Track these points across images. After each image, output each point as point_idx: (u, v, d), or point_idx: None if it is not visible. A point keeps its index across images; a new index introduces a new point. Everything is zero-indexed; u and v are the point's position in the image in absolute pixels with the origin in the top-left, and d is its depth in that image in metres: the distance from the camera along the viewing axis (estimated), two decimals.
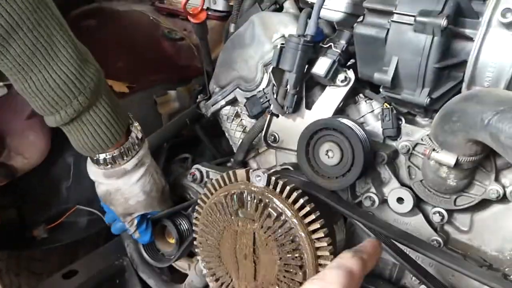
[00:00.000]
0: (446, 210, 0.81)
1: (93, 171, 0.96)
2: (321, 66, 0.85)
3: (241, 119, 1.07)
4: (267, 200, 0.74)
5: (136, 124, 0.97)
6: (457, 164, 0.68)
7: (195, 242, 0.86)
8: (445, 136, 0.66)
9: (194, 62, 1.53)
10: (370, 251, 0.66)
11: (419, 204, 0.84)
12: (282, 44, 0.86)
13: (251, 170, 0.76)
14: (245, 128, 1.07)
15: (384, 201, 0.85)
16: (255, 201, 0.74)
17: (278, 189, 0.74)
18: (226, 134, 1.11)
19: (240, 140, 1.05)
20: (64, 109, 0.81)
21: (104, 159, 0.91)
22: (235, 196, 0.77)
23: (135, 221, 1.03)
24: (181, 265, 1.17)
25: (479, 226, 0.82)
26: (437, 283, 0.76)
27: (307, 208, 0.72)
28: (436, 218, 0.81)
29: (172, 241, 1.09)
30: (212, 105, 1.09)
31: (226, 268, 0.81)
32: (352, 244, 0.89)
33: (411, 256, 0.77)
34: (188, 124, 1.35)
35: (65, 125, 0.85)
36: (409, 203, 0.81)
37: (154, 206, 1.03)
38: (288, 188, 0.73)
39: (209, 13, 1.59)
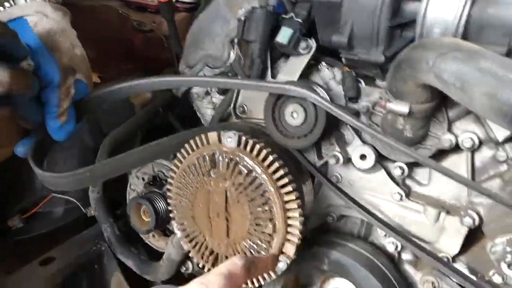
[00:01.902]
0: (406, 164, 0.86)
1: (30, 5, 0.79)
2: (283, 35, 0.89)
3: (211, 97, 1.10)
4: (237, 159, 0.77)
5: None
6: (411, 112, 0.74)
7: (169, 202, 0.88)
8: (397, 85, 0.72)
9: (164, 53, 1.55)
10: (261, 267, 0.72)
11: (381, 161, 0.89)
12: (246, 16, 0.90)
13: (222, 132, 0.80)
14: (215, 105, 1.10)
15: (348, 160, 0.90)
16: (226, 160, 0.78)
17: (248, 148, 0.77)
18: (198, 113, 1.14)
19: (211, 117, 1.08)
20: None
21: None
22: (207, 157, 0.80)
23: (72, 90, 0.82)
24: (158, 244, 1.18)
25: (437, 178, 0.87)
26: (400, 234, 0.81)
27: (276, 165, 0.76)
28: (397, 172, 0.87)
29: (148, 219, 1.11)
30: None
31: (200, 228, 0.84)
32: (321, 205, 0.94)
33: (373, 212, 0.82)
34: (161, 112, 1.37)
35: None
36: (371, 159, 0.87)
37: (90, 70, 0.89)
38: (258, 146, 0.77)
39: (178, 5, 1.64)
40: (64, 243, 1.22)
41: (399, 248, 0.91)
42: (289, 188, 0.75)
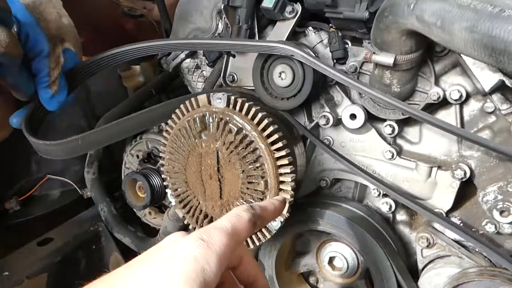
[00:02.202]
0: (396, 122, 0.87)
1: None
2: (269, 0, 0.90)
3: (202, 70, 1.11)
4: (227, 118, 0.78)
5: None
6: (396, 63, 0.74)
7: (162, 169, 0.88)
8: (381, 35, 0.72)
9: (155, 37, 1.56)
10: (268, 217, 0.57)
11: (371, 121, 0.90)
12: None
13: (211, 94, 0.80)
14: (206, 78, 1.10)
15: (338, 121, 0.90)
16: (216, 120, 0.78)
17: (237, 107, 0.78)
18: (189, 87, 1.14)
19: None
20: None
21: None
22: (197, 119, 0.80)
23: (62, 59, 0.82)
24: (155, 221, 1.19)
25: (427, 136, 0.88)
26: (394, 189, 0.82)
27: (266, 121, 0.76)
28: (387, 130, 0.87)
29: (143, 195, 1.11)
30: (173, 60, 1.12)
31: (193, 192, 0.85)
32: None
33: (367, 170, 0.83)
34: (154, 93, 1.38)
35: None
36: (361, 117, 0.87)
37: (78, 39, 0.89)
38: (246, 105, 0.78)
39: None
40: (62, 225, 1.23)
41: (393, 208, 0.91)
42: (279, 144, 0.76)
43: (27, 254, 1.12)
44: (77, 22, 1.44)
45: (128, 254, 1.23)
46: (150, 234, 1.22)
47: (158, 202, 1.12)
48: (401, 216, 0.93)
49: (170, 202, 1.07)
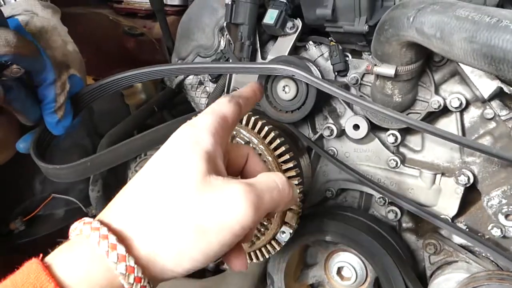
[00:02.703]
0: (398, 131, 0.88)
1: (19, 3, 0.80)
2: (270, 17, 0.92)
3: (205, 86, 1.13)
4: (234, 133, 0.79)
5: None
6: (397, 74, 0.76)
7: None
8: (382, 47, 0.74)
9: (157, 55, 1.59)
10: (248, 96, 0.62)
11: (374, 131, 0.91)
12: (232, 0, 0.93)
13: None
14: (209, 94, 1.12)
15: (342, 132, 0.92)
16: None
17: (244, 121, 0.80)
18: (192, 103, 1.16)
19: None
20: None
21: None
22: None
23: (68, 85, 0.82)
24: None
25: (429, 143, 0.90)
26: (400, 197, 0.83)
27: (272, 134, 0.78)
28: (390, 140, 0.89)
29: None
30: (176, 77, 1.14)
31: None
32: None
33: (372, 179, 0.84)
34: (156, 111, 1.40)
35: None
36: (364, 128, 0.89)
37: (83, 65, 0.90)
38: (253, 119, 0.79)
39: (168, 8, 1.68)
40: None
41: (398, 216, 0.92)
42: (286, 156, 0.77)
43: None
44: (78, 42, 1.47)
45: None
46: None
47: None
48: (407, 223, 0.94)
49: None
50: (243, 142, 0.78)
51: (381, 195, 0.92)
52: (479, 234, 0.85)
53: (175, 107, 1.46)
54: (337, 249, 0.96)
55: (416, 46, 0.72)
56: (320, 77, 0.86)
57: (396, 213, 0.92)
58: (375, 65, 0.78)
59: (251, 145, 0.78)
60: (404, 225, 0.95)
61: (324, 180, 0.98)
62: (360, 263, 0.93)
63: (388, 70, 0.76)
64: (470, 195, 0.87)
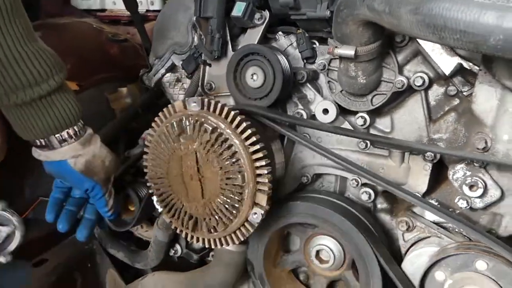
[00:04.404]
0: (367, 113, 0.90)
1: (66, 151, 0.96)
2: (238, 9, 0.95)
3: (182, 83, 1.15)
4: (202, 119, 0.82)
5: None
6: (357, 54, 0.78)
7: (146, 177, 0.92)
8: (340, 29, 0.77)
9: (140, 60, 1.61)
10: None
11: (344, 115, 0.93)
12: None
13: (186, 99, 0.85)
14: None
15: (313, 118, 0.94)
16: (192, 122, 0.82)
17: (211, 108, 0.82)
18: (171, 101, 1.19)
19: None
20: (47, 81, 0.88)
21: (75, 130, 0.96)
22: (174, 123, 0.84)
23: (113, 190, 1.05)
24: (147, 234, 1.21)
25: (398, 123, 0.92)
26: (374, 175, 0.84)
27: (238, 118, 0.80)
28: (359, 122, 0.91)
29: (133, 208, 1.14)
30: (154, 75, 1.17)
31: (177, 195, 0.87)
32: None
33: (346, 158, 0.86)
34: (141, 113, 1.43)
35: (41, 100, 0.90)
36: (333, 111, 0.91)
37: (118, 165, 1.07)
38: (219, 105, 0.82)
39: (149, 14, 1.72)
40: (56, 246, 1.24)
41: (372, 197, 0.93)
42: (253, 139, 0.79)
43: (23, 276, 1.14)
44: (62, 49, 1.51)
45: (123, 269, 1.25)
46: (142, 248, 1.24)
47: (148, 214, 1.15)
48: (381, 204, 0.96)
49: (160, 213, 1.10)
50: (210, 128, 0.80)
51: (354, 177, 0.93)
52: (450, 210, 0.86)
53: (161, 108, 1.49)
54: (315, 233, 0.97)
55: (372, 25, 0.74)
56: (288, 68, 0.89)
57: (370, 194, 0.93)
58: (336, 47, 0.80)
59: (218, 130, 0.80)
60: (379, 206, 0.96)
61: (299, 166, 0.99)
62: (338, 246, 0.95)
63: (348, 51, 0.78)
64: (442, 172, 0.88)
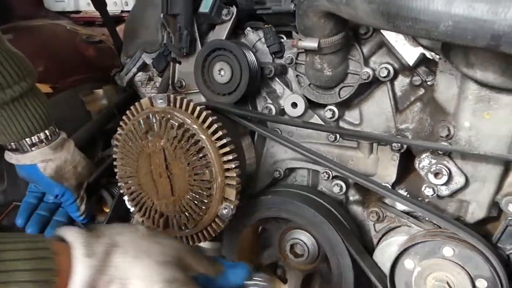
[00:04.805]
0: (336, 106, 0.91)
1: (36, 155, 0.97)
2: (205, 6, 0.95)
3: (154, 82, 1.15)
4: (169, 115, 0.81)
5: None
6: (320, 46, 0.79)
7: (117, 176, 0.91)
8: (302, 21, 0.77)
9: (116, 61, 1.61)
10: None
11: (313, 108, 0.94)
12: None
13: (153, 96, 0.84)
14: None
15: (282, 112, 0.94)
16: (159, 118, 0.82)
17: (178, 104, 0.82)
18: None
19: None
20: (19, 83, 0.90)
21: (46, 134, 0.97)
22: (141, 121, 0.84)
23: (85, 196, 1.07)
24: None
25: (367, 115, 0.92)
26: (343, 167, 0.85)
27: (204, 113, 0.80)
28: (328, 115, 0.91)
29: (107, 209, 1.13)
30: (126, 75, 1.17)
31: (147, 194, 0.87)
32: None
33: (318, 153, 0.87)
34: (117, 114, 1.42)
35: (13, 102, 0.91)
36: (301, 105, 0.91)
37: (92, 171, 1.08)
38: (185, 101, 0.81)
39: (123, 15, 1.71)
40: None
41: (344, 189, 0.94)
42: (220, 133, 0.79)
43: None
44: (35, 51, 1.49)
45: None
46: None
47: (121, 214, 1.14)
48: (353, 196, 0.97)
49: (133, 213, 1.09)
50: (177, 124, 0.80)
51: (325, 170, 0.94)
52: (419, 199, 0.87)
53: None
54: (289, 227, 0.98)
55: (333, 16, 0.74)
56: (255, 63, 0.89)
57: (341, 187, 0.94)
58: (300, 39, 0.80)
59: (185, 125, 0.80)
60: (351, 198, 0.97)
61: (271, 161, 0.99)
62: (311, 239, 0.95)
63: (311, 43, 0.79)
64: (411, 162, 0.89)
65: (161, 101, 0.83)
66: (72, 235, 0.55)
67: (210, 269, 0.66)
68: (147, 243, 0.60)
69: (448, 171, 0.78)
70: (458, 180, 0.78)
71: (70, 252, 0.53)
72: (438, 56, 0.80)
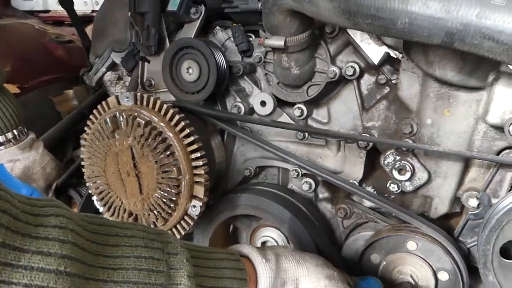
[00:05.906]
0: (304, 104, 0.92)
1: (3, 154, 0.96)
2: (173, 4, 0.95)
3: (124, 81, 1.14)
4: (135, 114, 0.81)
5: None
6: (287, 45, 0.80)
7: (84, 176, 0.90)
8: (268, 20, 0.78)
9: (86, 60, 1.58)
10: None
11: (282, 107, 0.94)
12: None
13: (119, 95, 0.84)
14: None
15: (252, 111, 0.95)
16: (125, 117, 0.81)
17: (144, 102, 0.81)
18: None
19: None
20: None
21: (14, 134, 0.96)
22: (108, 119, 0.83)
23: (54, 197, 1.04)
24: None
25: (335, 114, 0.93)
26: (311, 165, 0.86)
27: (171, 111, 0.80)
28: (297, 113, 0.92)
29: (75, 209, 1.11)
30: (95, 74, 1.15)
31: (115, 193, 0.86)
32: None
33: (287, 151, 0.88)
34: (87, 114, 1.40)
35: None
36: (270, 103, 0.92)
37: (61, 172, 1.07)
38: (152, 99, 0.81)
39: (94, 14, 1.69)
40: None
41: (313, 187, 0.95)
42: (187, 131, 0.79)
43: None
44: (1, 51, 1.45)
45: None
46: None
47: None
48: (323, 194, 0.98)
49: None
50: (143, 122, 0.80)
51: (294, 168, 0.95)
52: (385, 195, 0.89)
53: None
54: (260, 225, 0.98)
55: (298, 15, 0.75)
56: (223, 61, 0.90)
57: (311, 184, 0.95)
58: (266, 38, 0.81)
59: (152, 123, 0.80)
60: (320, 195, 0.98)
61: (242, 159, 1.00)
62: (282, 236, 0.96)
63: (277, 41, 0.80)
64: (377, 160, 0.91)
65: (127, 99, 0.82)
66: (246, 248, 0.68)
67: (349, 278, 0.75)
68: (299, 253, 0.71)
69: (411, 167, 0.80)
70: (421, 176, 0.80)
71: (251, 260, 0.65)
72: (401, 55, 0.82)
